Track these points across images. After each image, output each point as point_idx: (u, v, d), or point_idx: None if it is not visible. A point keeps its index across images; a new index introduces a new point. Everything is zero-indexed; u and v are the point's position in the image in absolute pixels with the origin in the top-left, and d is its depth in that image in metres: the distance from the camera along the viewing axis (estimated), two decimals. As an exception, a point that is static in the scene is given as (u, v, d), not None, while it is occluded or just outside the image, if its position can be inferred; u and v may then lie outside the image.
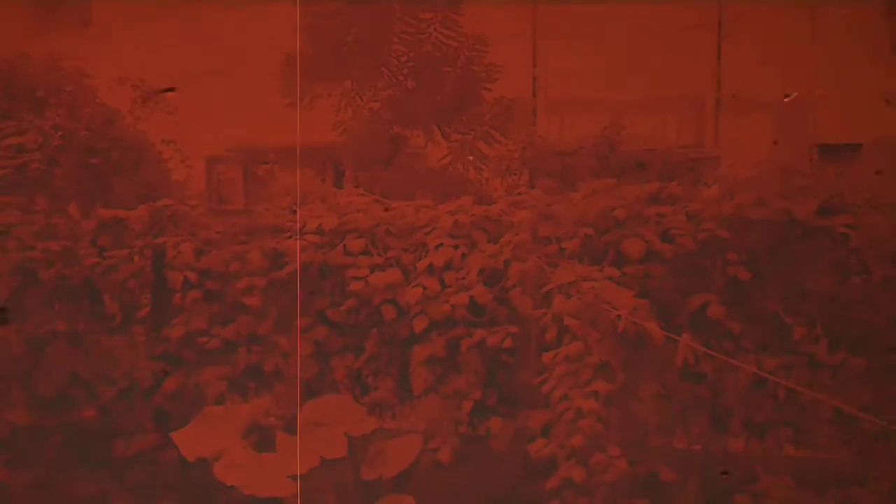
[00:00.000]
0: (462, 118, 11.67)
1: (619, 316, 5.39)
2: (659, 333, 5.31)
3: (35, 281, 6.91)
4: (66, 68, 9.24)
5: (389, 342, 6.65)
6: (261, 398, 6.47)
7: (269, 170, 9.45)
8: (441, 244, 6.47)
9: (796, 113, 11.50)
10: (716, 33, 11.85)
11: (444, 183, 10.81)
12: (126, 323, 7.20)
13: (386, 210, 7.07)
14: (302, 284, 6.60)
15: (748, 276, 5.82)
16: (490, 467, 6.13)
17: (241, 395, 6.88)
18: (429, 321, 6.31)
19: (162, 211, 7.03)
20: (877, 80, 11.31)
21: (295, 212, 7.21)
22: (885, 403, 5.47)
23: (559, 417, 5.46)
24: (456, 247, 6.43)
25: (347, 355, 6.66)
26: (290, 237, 6.63)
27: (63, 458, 6.85)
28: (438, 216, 6.66)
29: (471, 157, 10.10)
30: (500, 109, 11.48)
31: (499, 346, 6.07)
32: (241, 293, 6.63)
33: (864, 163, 11.00)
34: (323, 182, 13.30)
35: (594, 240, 6.06)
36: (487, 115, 11.57)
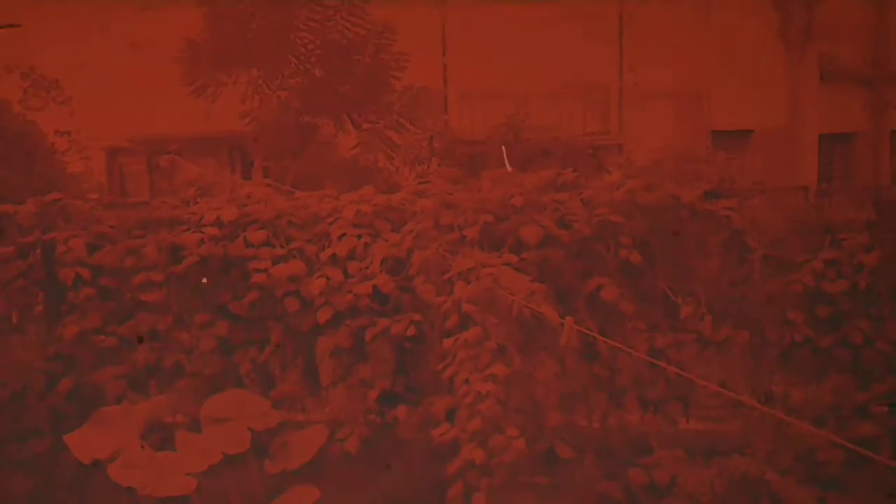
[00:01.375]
0: (372, 107, 11.65)
1: (519, 301, 5.52)
2: (553, 316, 5.47)
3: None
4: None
5: (294, 334, 6.60)
6: (161, 396, 6.31)
7: (171, 160, 9.17)
8: (344, 234, 6.45)
9: (693, 101, 11.99)
10: (617, 24, 12.20)
11: (356, 173, 10.77)
12: (19, 323, 6.90)
13: (288, 200, 7.00)
14: (202, 278, 6.46)
15: (640, 259, 6.05)
16: (397, 455, 6.18)
17: (141, 393, 6.70)
18: (333, 312, 6.30)
19: (51, 205, 6.73)
20: (766, 68, 11.90)
21: (197, 203, 7.04)
22: (764, 376, 5.81)
23: (460, 402, 5.55)
24: (359, 236, 6.43)
25: (251, 349, 6.57)
26: (188, 230, 6.47)
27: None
28: (341, 206, 6.64)
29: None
30: (410, 98, 11.52)
31: (403, 334, 6.12)
32: (137, 289, 6.44)
33: (754, 148, 11.58)
34: (232, 173, 13.02)
35: (494, 227, 6.17)
36: (397, 104, 11.59)
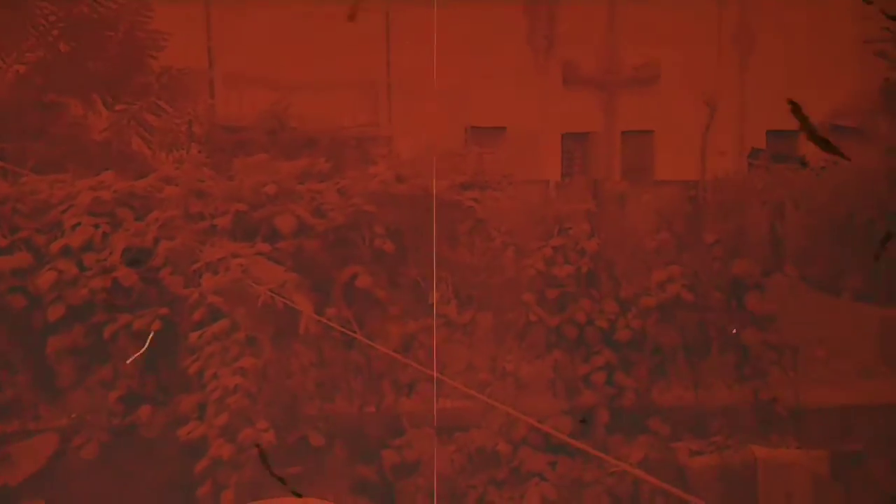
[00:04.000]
0: (126, 87, 10.78)
1: (269, 291, 5.43)
2: (305, 306, 5.46)
3: None
4: None
5: (21, 334, 5.95)
6: None
7: None
8: (79, 223, 5.92)
9: (455, 97, 12.62)
10: (384, 20, 12.45)
11: (108, 157, 9.90)
12: None
13: (13, 185, 6.27)
14: None
15: (392, 248, 6.22)
16: (141, 458, 5.81)
17: None
18: (66, 308, 5.76)
19: None
20: (517, 71, 12.86)
21: None
22: (505, 354, 6.25)
23: (208, 397, 5.35)
24: (97, 226, 5.93)
25: (-33, 353, 5.82)
26: None
27: None
28: (76, 192, 6.08)
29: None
30: (169, 79, 10.82)
31: (147, 330, 5.75)
32: None
33: (507, 144, 12.50)
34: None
35: (247, 216, 6.01)
36: (155, 85, 10.83)
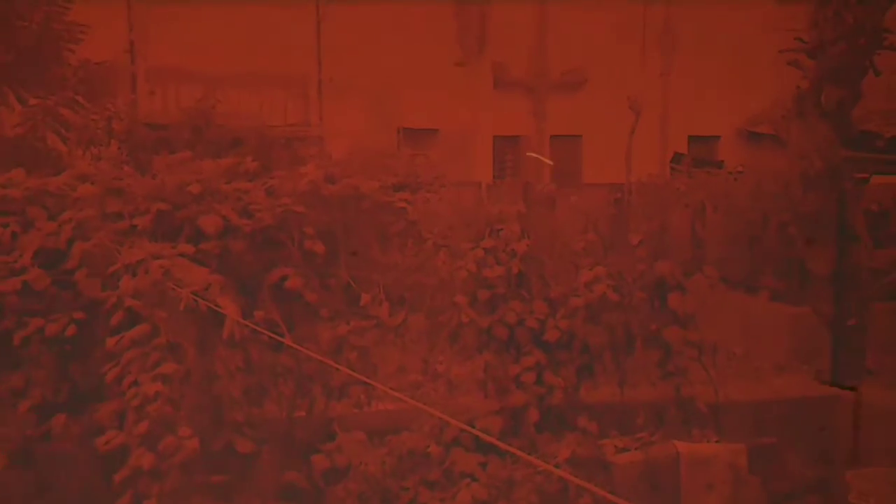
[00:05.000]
0: (41, 81, 10.28)
1: (192, 293, 5.25)
2: (231, 309, 5.31)
3: None
4: None
5: (-79, 341, 5.57)
6: None
7: None
8: (-14, 223, 5.59)
9: (386, 98, 12.51)
10: (315, 17, 12.29)
11: (21, 153, 9.41)
12: None
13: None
14: None
15: (323, 249, 6.12)
16: (56, 469, 5.54)
17: None
18: (-30, 313, 5.43)
19: None
20: (448, 73, 12.86)
21: None
22: (437, 356, 6.25)
23: (127, 405, 5.13)
24: (5, 225, 5.62)
25: None
26: None
27: None
28: (-18, 191, 5.74)
29: None
30: (87, 73, 10.38)
31: (61, 335, 5.48)
32: None
33: (439, 146, 12.48)
34: None
35: (169, 215, 5.81)
36: (72, 79, 10.37)
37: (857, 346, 7.17)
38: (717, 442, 5.60)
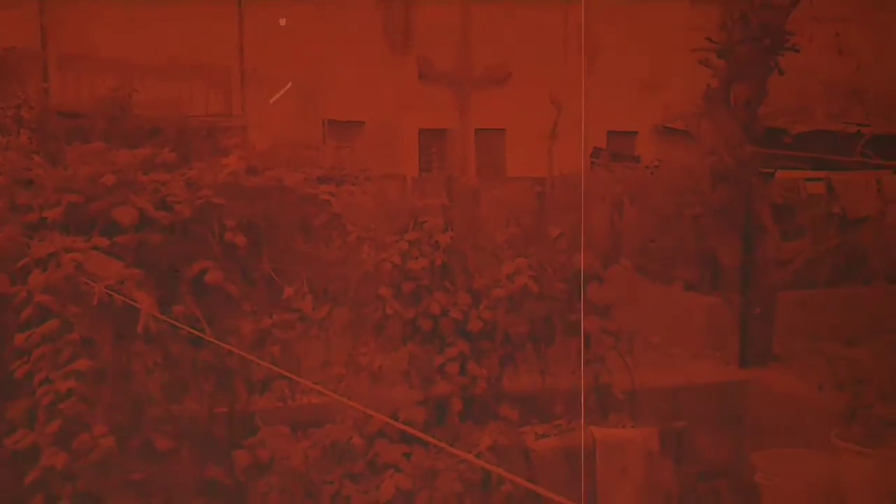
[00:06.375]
0: (-61, 66, 9.75)
1: (106, 288, 5.11)
2: (148, 303, 5.19)
3: None
4: None
5: None
6: None
7: None
8: None
9: (311, 90, 12.40)
10: (236, 4, 12.03)
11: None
12: None
13: None
14: None
15: (244, 241, 6.05)
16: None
17: None
18: None
19: None
20: (373, 65, 12.83)
21: None
22: (361, 348, 6.27)
23: (38, 403, 4.96)
24: None
25: None
26: None
27: None
28: None
29: None
30: (-7, 60, 9.90)
31: (-34, 334, 5.24)
32: None
33: (365, 139, 12.47)
34: None
35: (82, 208, 5.62)
36: (-25, 66, 9.88)
37: (764, 333, 7.58)
38: (632, 427, 5.83)
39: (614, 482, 5.46)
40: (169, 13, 11.57)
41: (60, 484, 4.93)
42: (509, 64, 13.56)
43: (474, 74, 13.21)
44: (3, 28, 9.78)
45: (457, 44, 13.21)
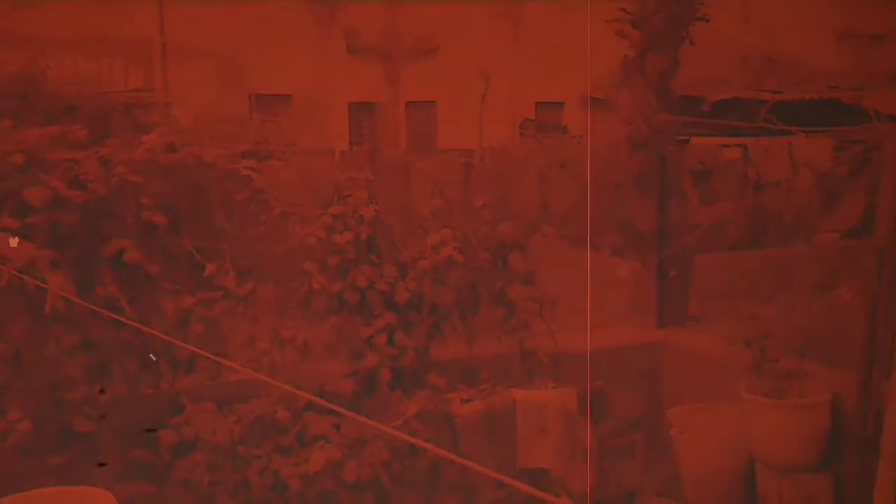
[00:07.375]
0: None
1: (15, 270, 4.98)
2: (62, 284, 5.08)
3: None
4: None
5: None
6: None
7: None
8: None
9: (236, 63, 12.13)
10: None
11: None
12: None
13: None
14: None
15: (163, 220, 5.96)
16: None
17: None
18: None
19: None
20: (299, 37, 12.60)
21: None
22: (286, 323, 6.26)
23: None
24: None
25: None
26: None
27: None
28: None
29: None
30: None
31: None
32: None
33: (293, 112, 12.31)
34: None
35: (-11, 188, 5.44)
36: None
37: (681, 295, 7.88)
38: (553, 389, 6.02)
39: (533, 441, 5.65)
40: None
41: (-24, 471, 4.83)
42: (437, 35, 13.50)
43: (403, 46, 13.10)
44: None
45: (383, 14, 13.07)
